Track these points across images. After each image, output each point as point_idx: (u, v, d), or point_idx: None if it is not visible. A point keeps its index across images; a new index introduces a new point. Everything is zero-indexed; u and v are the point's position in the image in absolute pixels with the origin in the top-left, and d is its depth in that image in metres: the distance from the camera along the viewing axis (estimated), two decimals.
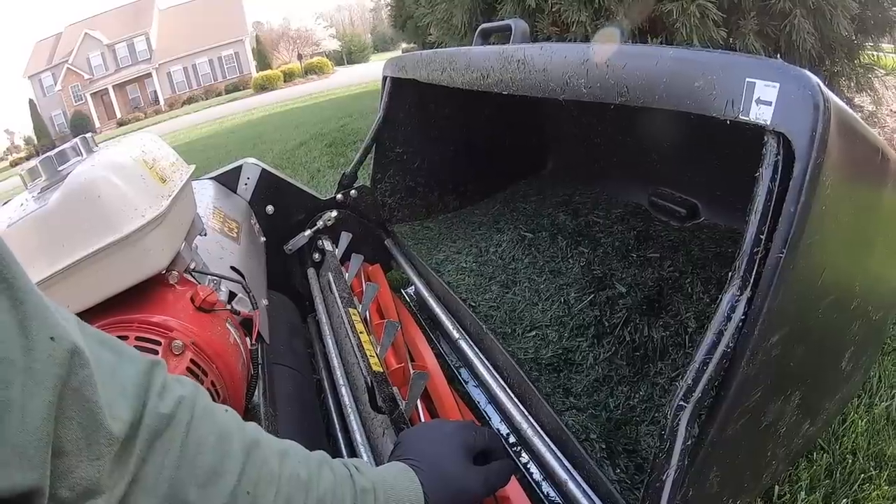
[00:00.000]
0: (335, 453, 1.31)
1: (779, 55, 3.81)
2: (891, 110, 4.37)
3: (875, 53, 3.83)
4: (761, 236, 0.57)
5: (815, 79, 0.55)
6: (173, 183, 1.10)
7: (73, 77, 42.17)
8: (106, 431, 0.47)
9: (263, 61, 44.71)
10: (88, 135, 1.11)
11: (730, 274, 0.60)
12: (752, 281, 0.59)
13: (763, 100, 0.57)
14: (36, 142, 42.47)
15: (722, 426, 0.65)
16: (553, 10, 3.58)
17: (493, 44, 1.36)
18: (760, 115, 0.57)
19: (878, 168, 0.76)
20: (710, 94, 0.62)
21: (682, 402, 0.61)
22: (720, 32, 3.19)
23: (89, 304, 0.93)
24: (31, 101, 43.37)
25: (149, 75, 42.79)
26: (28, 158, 38.70)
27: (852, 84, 3.78)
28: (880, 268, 0.97)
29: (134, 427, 0.51)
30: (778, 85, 0.56)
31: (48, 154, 1.04)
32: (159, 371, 0.57)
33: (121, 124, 39.06)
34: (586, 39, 3.56)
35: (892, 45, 3.85)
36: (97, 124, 41.51)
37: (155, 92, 43.09)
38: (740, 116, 0.59)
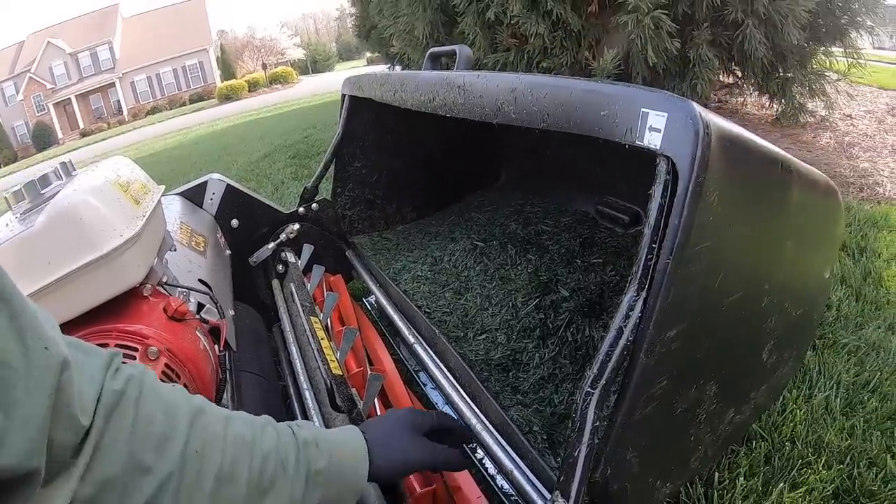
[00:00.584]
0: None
1: (733, 63, 3.94)
2: (843, 114, 4.50)
3: (827, 59, 3.94)
4: (654, 245, 0.67)
5: (697, 108, 0.65)
6: (146, 204, 1.19)
7: (36, 86, 41.33)
8: (76, 421, 0.54)
9: (228, 71, 44.37)
10: (67, 159, 1.19)
11: (629, 278, 0.70)
12: (647, 284, 0.69)
13: (654, 127, 0.66)
14: None
15: (629, 411, 0.74)
16: (512, 22, 3.65)
17: (443, 67, 1.45)
18: (652, 140, 0.67)
19: (778, 179, 0.86)
20: (614, 122, 0.71)
21: (589, 389, 0.70)
22: (674, 43, 3.29)
23: (73, 316, 1.01)
24: None
25: (112, 85, 42.09)
26: None
27: (805, 90, 3.89)
28: (794, 267, 1.06)
29: (94, 406, 0.57)
30: (666, 114, 0.65)
31: (32, 179, 1.12)
32: (116, 359, 0.64)
33: (84, 135, 38.39)
34: (544, 51, 3.65)
35: (843, 51, 3.94)
36: (60, 135, 40.76)
37: (118, 102, 42.38)
38: (637, 142, 0.68)
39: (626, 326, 0.69)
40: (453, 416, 1.43)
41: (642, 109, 0.67)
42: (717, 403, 0.97)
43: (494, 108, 0.97)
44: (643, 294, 0.69)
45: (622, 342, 0.69)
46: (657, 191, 0.67)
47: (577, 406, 0.72)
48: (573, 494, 0.70)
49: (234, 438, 0.68)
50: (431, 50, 1.58)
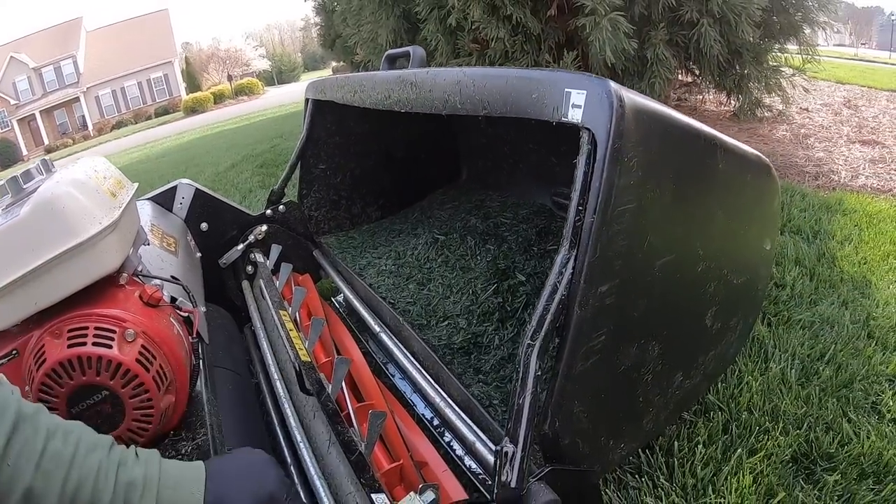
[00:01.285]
0: (272, 438, 1.43)
1: (690, 62, 4.03)
2: (800, 108, 4.61)
3: (782, 55, 4.05)
4: (580, 207, 0.75)
5: (613, 85, 0.73)
6: (121, 197, 1.26)
7: (0, 103, 40.82)
8: None
9: (193, 83, 44.05)
10: (48, 157, 1.26)
11: (561, 239, 0.77)
12: (577, 243, 0.76)
13: (576, 104, 0.75)
14: None
15: (570, 362, 0.82)
16: (473, 28, 3.71)
17: (398, 69, 1.52)
18: (574, 115, 0.75)
19: (702, 150, 0.95)
20: (543, 103, 0.79)
21: (529, 342, 0.78)
22: (632, 44, 3.38)
23: (54, 301, 1.06)
24: None
25: (77, 99, 41.43)
26: None
27: (761, 86, 3.99)
28: (729, 236, 1.15)
29: None
30: (585, 92, 0.74)
31: (14, 174, 1.19)
32: None
33: (48, 151, 37.65)
34: (505, 55, 3.71)
35: (798, 47, 4.05)
36: (24, 151, 40.08)
37: (83, 117, 41.73)
38: (562, 119, 0.77)
39: (560, 283, 0.77)
40: (421, 403, 1.50)
41: (565, 89, 0.76)
42: (662, 365, 1.05)
43: (443, 100, 1.05)
44: (574, 252, 0.77)
45: (557, 297, 0.77)
46: (581, 160, 0.75)
47: (519, 358, 0.79)
48: (521, 440, 0.76)
49: (51, 455, 0.67)
50: (388, 52, 1.66)
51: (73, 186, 1.10)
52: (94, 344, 1.02)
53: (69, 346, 1.00)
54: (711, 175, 1.00)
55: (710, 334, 1.20)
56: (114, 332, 1.06)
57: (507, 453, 0.76)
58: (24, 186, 1.18)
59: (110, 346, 1.03)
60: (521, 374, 0.78)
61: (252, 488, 0.80)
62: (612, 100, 0.71)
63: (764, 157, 1.18)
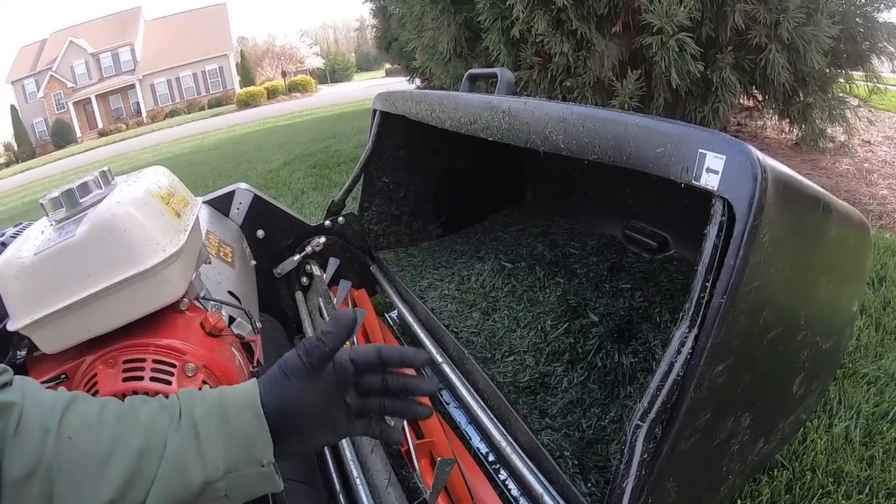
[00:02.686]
0: (322, 465, 1.39)
1: (754, 87, 3.93)
2: (862, 140, 4.48)
3: (848, 84, 3.93)
4: (706, 283, 0.68)
5: (755, 152, 0.66)
6: (186, 217, 1.18)
7: (56, 84, 41.59)
8: None
9: (247, 77, 44.48)
10: (106, 167, 1.18)
11: (681, 314, 0.71)
12: (699, 321, 0.70)
13: (712, 169, 0.68)
14: (16, 148, 41.78)
15: (674, 443, 0.75)
16: (536, 41, 3.65)
17: (480, 89, 1.47)
18: (709, 181, 0.68)
19: (819, 218, 0.87)
20: (669, 161, 0.73)
21: (638, 422, 0.72)
22: (697, 66, 3.28)
23: (109, 329, 1.00)
24: (12, 107, 42.56)
25: (132, 86, 42.28)
26: (7, 165, 38.05)
27: (825, 115, 3.87)
28: (826, 302, 1.07)
29: None
30: (724, 157, 0.67)
31: (70, 186, 1.10)
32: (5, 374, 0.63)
33: (102, 135, 38.55)
34: (567, 70, 3.65)
35: (864, 76, 3.93)
36: (78, 134, 41.03)
37: (138, 103, 42.55)
38: (693, 182, 0.70)
39: (676, 362, 0.70)
40: (476, 436, 1.44)
41: (700, 150, 0.69)
42: (750, 434, 0.98)
43: (542, 136, 0.99)
44: (695, 331, 0.70)
45: (672, 377, 0.71)
46: (712, 231, 0.68)
47: (626, 438, 0.73)
48: None
49: (109, 417, 0.65)
50: (470, 71, 1.60)
51: (135, 207, 1.03)
52: (152, 379, 0.96)
53: (124, 380, 0.95)
54: (824, 243, 0.93)
55: (794, 400, 1.13)
56: (174, 366, 1.00)
57: None
58: (81, 201, 1.09)
59: (169, 383, 0.97)
60: (627, 457, 0.72)
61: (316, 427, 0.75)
62: (755, 171, 0.64)
63: (863, 216, 1.10)
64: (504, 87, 1.44)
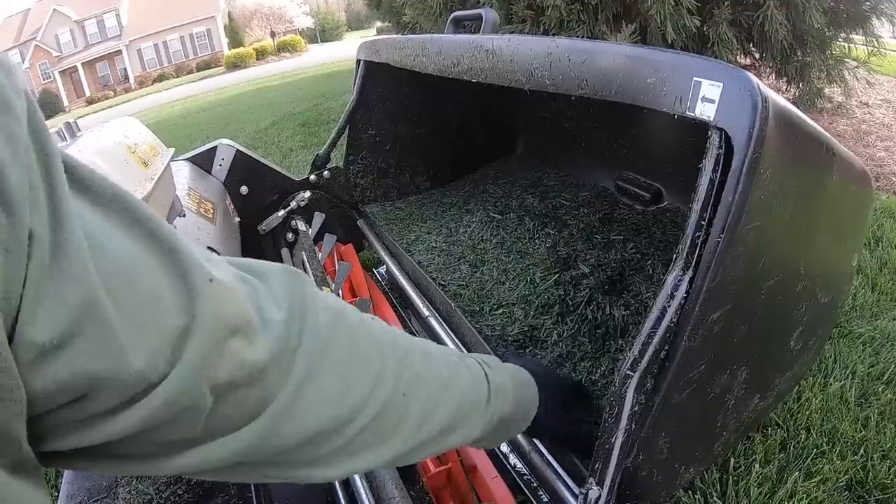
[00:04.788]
0: None
1: (752, 45, 3.88)
2: (860, 102, 4.44)
3: (847, 45, 3.89)
4: (702, 222, 0.63)
5: (755, 80, 0.61)
6: (154, 167, 1.14)
7: (42, 54, 41.12)
8: (255, 357, 0.47)
9: (236, 39, 44.01)
10: (72, 120, 1.14)
11: (674, 256, 0.66)
12: (693, 263, 0.65)
13: (708, 98, 0.62)
14: None
15: (667, 395, 0.71)
16: None
17: (465, 32, 1.40)
18: (705, 111, 0.62)
19: (822, 161, 0.82)
20: (662, 91, 0.67)
21: (629, 372, 0.67)
22: (694, 20, 3.23)
23: None
24: None
25: (119, 52, 41.84)
26: None
27: (823, 75, 3.84)
28: (826, 253, 1.03)
29: (294, 328, 0.51)
30: (721, 85, 0.61)
31: None
32: (301, 283, 0.56)
33: (90, 102, 38.27)
34: (560, 23, 3.59)
35: (864, 38, 3.88)
36: (66, 103, 40.63)
37: (125, 69, 42.16)
38: (687, 112, 0.64)
39: (669, 307, 0.66)
40: None
41: (695, 78, 0.63)
42: (746, 389, 0.94)
43: (527, 73, 0.93)
44: (689, 273, 0.65)
45: (665, 323, 0.66)
46: (708, 164, 0.63)
47: (614, 390, 0.68)
48: (608, 482, 0.67)
49: (434, 377, 0.67)
50: (454, 14, 1.52)
51: (99, 156, 0.99)
52: None
53: None
54: (826, 187, 0.88)
55: (791, 355, 1.09)
56: None
57: (592, 498, 0.66)
58: None
59: None
60: (615, 410, 0.67)
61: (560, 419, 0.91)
62: (755, 99, 0.58)
63: (865, 167, 1.05)
64: (489, 28, 1.37)
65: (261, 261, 0.56)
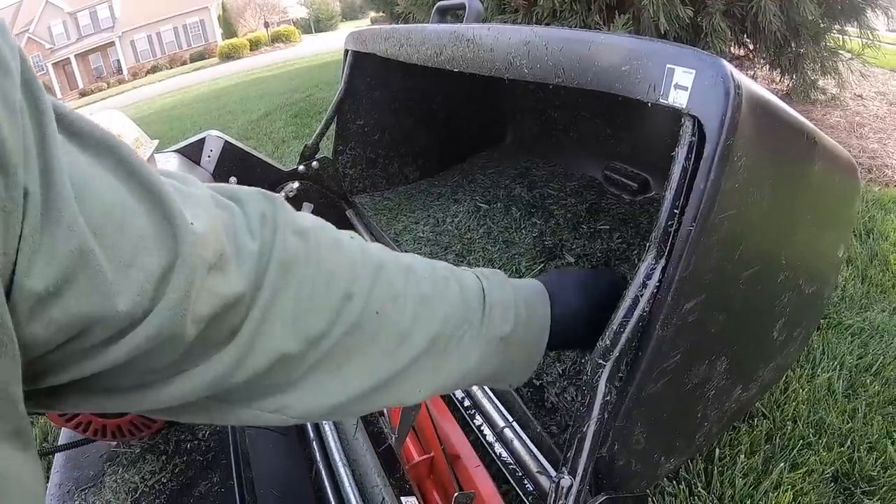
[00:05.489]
0: None
1: (746, 36, 3.88)
2: (854, 94, 4.44)
3: (841, 37, 3.89)
4: (675, 210, 0.63)
5: (728, 67, 0.60)
6: None
7: (35, 47, 40.92)
8: (234, 288, 0.50)
9: (229, 29, 43.86)
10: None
11: (647, 245, 0.66)
12: (666, 251, 0.64)
13: (680, 85, 0.62)
14: None
15: (641, 385, 0.71)
16: None
17: (450, 21, 1.40)
18: (677, 99, 0.62)
19: (803, 149, 0.82)
20: (636, 79, 0.66)
21: (600, 361, 0.67)
22: (687, 11, 3.23)
23: None
24: None
25: (112, 44, 41.69)
26: None
27: (817, 67, 3.85)
28: (810, 243, 1.03)
29: (251, 254, 0.52)
30: (694, 72, 0.61)
31: None
32: (278, 209, 0.57)
33: (83, 94, 38.11)
34: (553, 13, 3.58)
35: (858, 30, 3.89)
36: (59, 95, 40.43)
37: (118, 61, 42.01)
38: (661, 100, 0.64)
39: (641, 296, 0.65)
40: None
41: (668, 65, 0.63)
42: (727, 380, 0.94)
43: (506, 62, 0.92)
44: (661, 262, 0.65)
45: (637, 312, 0.66)
46: (681, 152, 0.62)
47: (586, 379, 0.68)
48: (580, 471, 0.67)
49: (413, 294, 0.64)
50: (439, 4, 1.52)
51: None
52: None
53: None
54: (807, 177, 0.87)
55: (775, 346, 1.09)
56: None
57: (564, 487, 0.66)
58: None
59: None
60: (587, 399, 0.67)
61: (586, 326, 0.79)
62: (728, 85, 0.58)
63: (851, 157, 1.05)
64: (472, 17, 1.36)
65: (240, 186, 0.57)
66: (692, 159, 0.62)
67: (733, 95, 0.59)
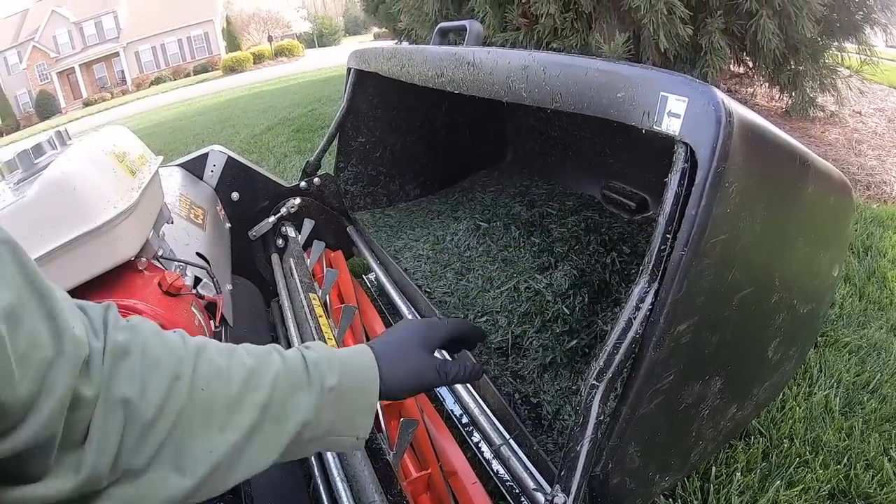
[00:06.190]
0: None
1: (745, 53, 3.90)
2: (853, 110, 4.45)
3: (839, 54, 3.89)
4: (668, 235, 0.64)
5: (720, 95, 0.62)
6: (142, 175, 1.16)
7: (39, 55, 41.15)
8: (86, 393, 0.53)
9: (233, 42, 44.01)
10: (62, 128, 1.16)
11: (640, 268, 0.67)
12: (659, 275, 0.66)
13: (673, 112, 0.63)
14: (0, 121, 41.37)
15: (634, 405, 0.72)
16: (523, 1, 3.60)
17: (451, 43, 1.42)
18: (671, 126, 0.64)
19: (795, 173, 0.83)
20: (631, 105, 0.68)
21: (594, 382, 0.68)
22: (686, 29, 3.24)
23: (66, 289, 0.95)
24: None
25: (116, 54, 41.86)
26: None
27: (816, 84, 3.85)
28: (804, 264, 1.04)
29: (98, 353, 0.56)
30: (687, 100, 0.62)
31: (25, 148, 1.08)
32: (111, 310, 0.63)
33: (87, 104, 38.26)
34: (554, 31, 3.60)
35: (856, 46, 3.90)
36: (62, 104, 40.64)
37: (122, 72, 42.15)
38: (654, 126, 0.65)
39: (635, 319, 0.67)
40: (450, 397, 1.42)
41: (661, 93, 0.65)
42: (721, 399, 0.95)
43: (505, 85, 0.94)
44: (654, 286, 0.66)
45: (630, 335, 0.67)
46: (674, 178, 0.64)
47: (581, 399, 0.69)
48: (573, 490, 0.68)
49: (237, 367, 0.67)
50: (440, 25, 1.55)
51: (87, 164, 1.01)
52: None
53: None
54: (800, 199, 0.89)
55: (770, 365, 1.11)
56: None
57: None
58: (36, 162, 1.08)
59: None
60: (581, 419, 0.68)
61: (415, 364, 0.85)
62: (719, 114, 0.60)
63: (845, 177, 1.07)
64: (473, 39, 1.39)
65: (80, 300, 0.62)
66: (685, 185, 0.63)
67: (725, 123, 0.60)
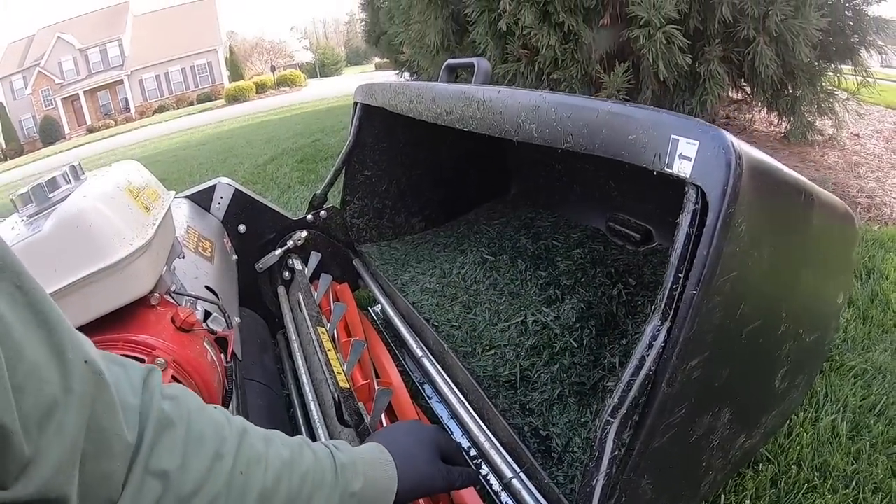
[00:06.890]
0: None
1: (743, 80, 3.93)
2: (851, 133, 4.47)
3: (836, 77, 3.92)
4: (680, 275, 0.66)
5: (730, 138, 0.63)
6: (156, 211, 1.17)
7: (44, 81, 41.56)
8: (123, 441, 0.54)
9: (236, 72, 44.41)
10: (77, 162, 1.17)
11: (653, 306, 0.68)
12: (671, 314, 0.67)
13: (685, 155, 0.65)
14: (3, 146, 41.50)
15: (647, 440, 0.73)
16: (524, 33, 3.63)
17: (459, 79, 1.44)
18: (682, 168, 0.65)
19: (801, 207, 0.85)
20: (642, 147, 0.70)
21: (609, 418, 0.69)
22: (685, 58, 3.28)
23: (79, 325, 0.98)
24: (0, 104, 42.53)
25: (120, 82, 42.24)
26: None
27: (813, 108, 3.88)
28: (810, 294, 1.05)
29: (142, 426, 0.57)
30: (698, 143, 0.64)
31: (40, 182, 1.09)
32: (155, 374, 0.64)
33: (90, 131, 38.49)
34: (555, 62, 3.64)
35: (853, 69, 3.93)
36: (67, 130, 40.94)
37: (126, 99, 42.52)
38: (665, 169, 0.67)
39: (648, 356, 0.68)
40: (458, 430, 1.43)
41: (672, 136, 0.66)
42: (730, 430, 0.96)
43: (515, 125, 0.96)
44: (667, 324, 0.68)
45: (644, 372, 0.68)
46: (685, 220, 0.65)
47: (595, 435, 0.70)
48: None
49: (275, 458, 0.69)
50: (448, 62, 1.57)
51: (102, 201, 1.02)
52: None
53: None
54: (806, 233, 0.91)
55: (777, 394, 1.11)
56: (142, 360, 0.98)
57: None
58: (50, 196, 1.09)
59: None
60: (596, 454, 0.69)
61: (428, 471, 0.91)
62: (730, 157, 0.61)
63: (848, 207, 1.08)
64: (481, 77, 1.41)
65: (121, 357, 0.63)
66: (695, 226, 0.65)
67: (734, 166, 0.62)
